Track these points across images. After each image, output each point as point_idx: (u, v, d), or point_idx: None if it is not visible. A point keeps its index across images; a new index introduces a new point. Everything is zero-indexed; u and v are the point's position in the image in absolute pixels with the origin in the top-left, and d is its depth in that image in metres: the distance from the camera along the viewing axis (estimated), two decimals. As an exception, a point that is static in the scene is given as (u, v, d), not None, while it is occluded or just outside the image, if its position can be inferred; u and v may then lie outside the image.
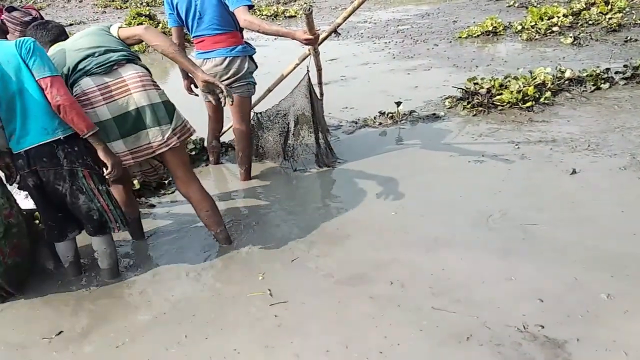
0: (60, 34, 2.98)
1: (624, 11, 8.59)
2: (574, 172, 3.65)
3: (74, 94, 2.69)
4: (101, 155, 2.65)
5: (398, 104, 5.09)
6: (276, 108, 4.25)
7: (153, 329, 2.54)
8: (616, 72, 5.59)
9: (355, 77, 7.03)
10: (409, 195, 3.57)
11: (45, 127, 2.56)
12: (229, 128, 4.36)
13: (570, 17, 8.60)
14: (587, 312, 2.33)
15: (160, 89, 2.83)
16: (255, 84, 3.85)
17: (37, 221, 3.21)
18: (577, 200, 3.30)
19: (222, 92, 2.76)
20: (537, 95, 5.09)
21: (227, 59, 3.63)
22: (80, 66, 2.73)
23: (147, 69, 2.85)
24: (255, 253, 3.08)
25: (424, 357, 2.19)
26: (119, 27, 2.89)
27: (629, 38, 7.34)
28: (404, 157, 4.28)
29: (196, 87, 4.00)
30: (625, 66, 5.68)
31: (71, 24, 15.15)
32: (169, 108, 2.82)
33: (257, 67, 3.87)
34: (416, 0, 13.68)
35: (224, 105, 2.78)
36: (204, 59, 3.68)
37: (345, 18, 3.57)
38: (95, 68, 2.71)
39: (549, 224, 3.06)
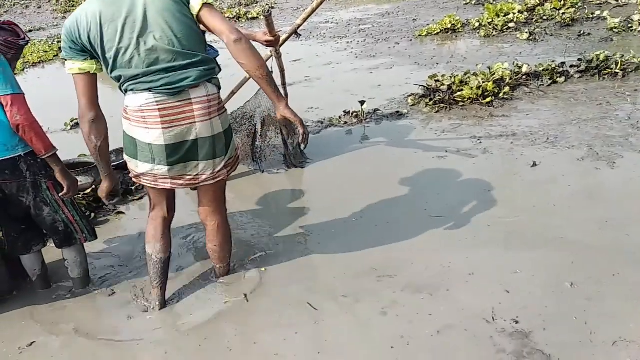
0: None
1: (577, 6, 8.86)
2: (534, 164, 3.75)
3: (125, 104, 2.32)
4: (58, 176, 2.59)
5: (362, 103, 5.14)
6: (242, 110, 4.25)
7: (125, 340, 2.51)
8: (571, 66, 5.76)
9: (319, 77, 7.06)
10: (377, 194, 3.61)
11: (5, 144, 2.49)
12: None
13: (526, 13, 8.83)
14: (551, 301, 2.41)
15: (224, 112, 2.41)
16: (220, 87, 3.82)
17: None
18: (539, 192, 3.40)
19: (302, 132, 2.38)
20: (497, 91, 5.21)
21: (190, 63, 3.59)
22: (144, 79, 2.23)
23: (219, 86, 2.42)
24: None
25: (400, 348, 2.23)
26: (204, 3, 2.19)
27: (582, 32, 7.58)
28: (370, 155, 4.33)
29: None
30: (579, 60, 5.86)
31: (30, 31, 14.76)
32: (229, 137, 2.43)
33: (220, 69, 3.84)
34: (376, -1, 13.81)
35: (301, 147, 2.40)
36: (167, 63, 3.63)
37: (305, 19, 3.59)
38: (162, 88, 2.22)
39: (513, 216, 3.14)
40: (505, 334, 2.24)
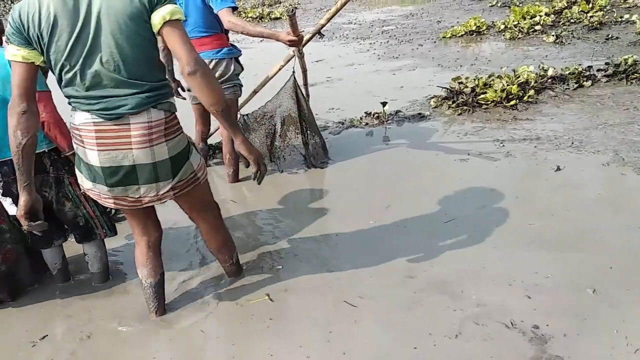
0: None
1: (605, 9, 8.72)
2: (558, 169, 3.69)
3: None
4: None
5: (384, 104, 5.12)
6: (262, 109, 4.26)
7: (139, 336, 2.53)
8: (598, 70, 5.66)
9: (340, 78, 7.05)
10: (397, 195, 3.59)
11: None
12: (215, 130, 4.36)
13: (552, 15, 8.72)
14: (573, 308, 2.36)
15: (174, 137, 2.17)
16: (241, 86, 3.85)
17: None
18: (563, 197, 3.33)
19: (254, 170, 2.26)
20: (521, 94, 5.15)
21: (214, 61, 3.63)
22: (83, 101, 2.08)
23: (170, 110, 2.15)
24: (244, 257, 3.06)
25: (421, 350, 2.21)
26: (166, 22, 1.96)
27: (610, 36, 7.44)
28: (391, 157, 4.30)
29: (183, 90, 4.00)
30: (607, 64, 5.75)
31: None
32: (178, 163, 2.20)
33: (243, 69, 3.88)
34: (400, 0, 13.76)
35: (254, 179, 2.29)
36: (190, 61, 3.66)
37: (329, 19, 3.59)
38: (99, 112, 2.06)
39: (536, 221, 3.09)
40: (525, 339, 2.20)
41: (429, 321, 2.38)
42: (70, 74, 2.02)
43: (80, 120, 2.10)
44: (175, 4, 2.01)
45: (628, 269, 2.57)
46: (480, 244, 2.93)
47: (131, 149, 2.08)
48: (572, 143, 4.10)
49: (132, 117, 2.06)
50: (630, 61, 5.52)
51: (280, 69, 4.02)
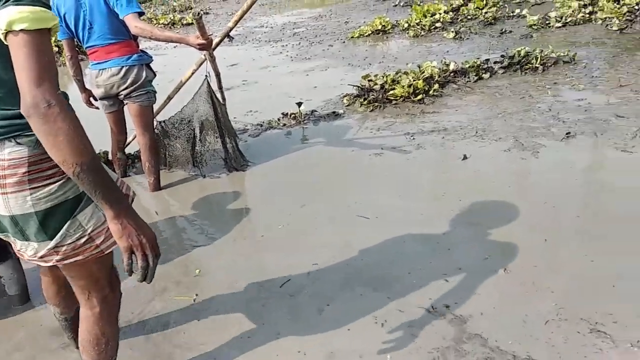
0: None
1: (498, 5, 9.32)
2: (465, 157, 3.94)
3: None
4: None
5: (299, 104, 5.23)
6: (180, 115, 4.23)
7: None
8: (495, 62, 6.07)
9: (256, 81, 7.10)
10: (316, 192, 3.70)
11: None
12: (133, 139, 4.27)
13: (451, 13, 9.22)
14: (487, 288, 2.52)
15: (46, 186, 1.53)
16: (155, 92, 3.81)
17: None
18: (470, 183, 3.57)
19: (126, 263, 1.44)
20: (427, 88, 5.43)
21: (124, 68, 3.57)
22: None
23: (32, 147, 1.51)
24: (170, 265, 3.05)
25: (348, 341, 2.31)
26: (8, 34, 1.29)
27: (504, 30, 7.97)
28: (310, 155, 4.41)
29: (95, 99, 3.90)
30: (502, 56, 6.18)
31: None
32: (52, 219, 1.56)
33: (155, 75, 3.84)
34: (309, 3, 13.96)
35: (130, 274, 1.46)
36: (100, 69, 3.59)
37: (237, 21, 3.62)
38: None
39: (447, 208, 3.29)
40: (445, 321, 2.32)
41: (350, 312, 2.46)
42: None
43: None
44: (36, 4, 1.32)
45: (533, 247, 2.78)
46: (395, 234, 3.06)
47: None
48: (476, 132, 4.38)
49: None
50: (523, 53, 5.97)
51: (192, 74, 4.01)
